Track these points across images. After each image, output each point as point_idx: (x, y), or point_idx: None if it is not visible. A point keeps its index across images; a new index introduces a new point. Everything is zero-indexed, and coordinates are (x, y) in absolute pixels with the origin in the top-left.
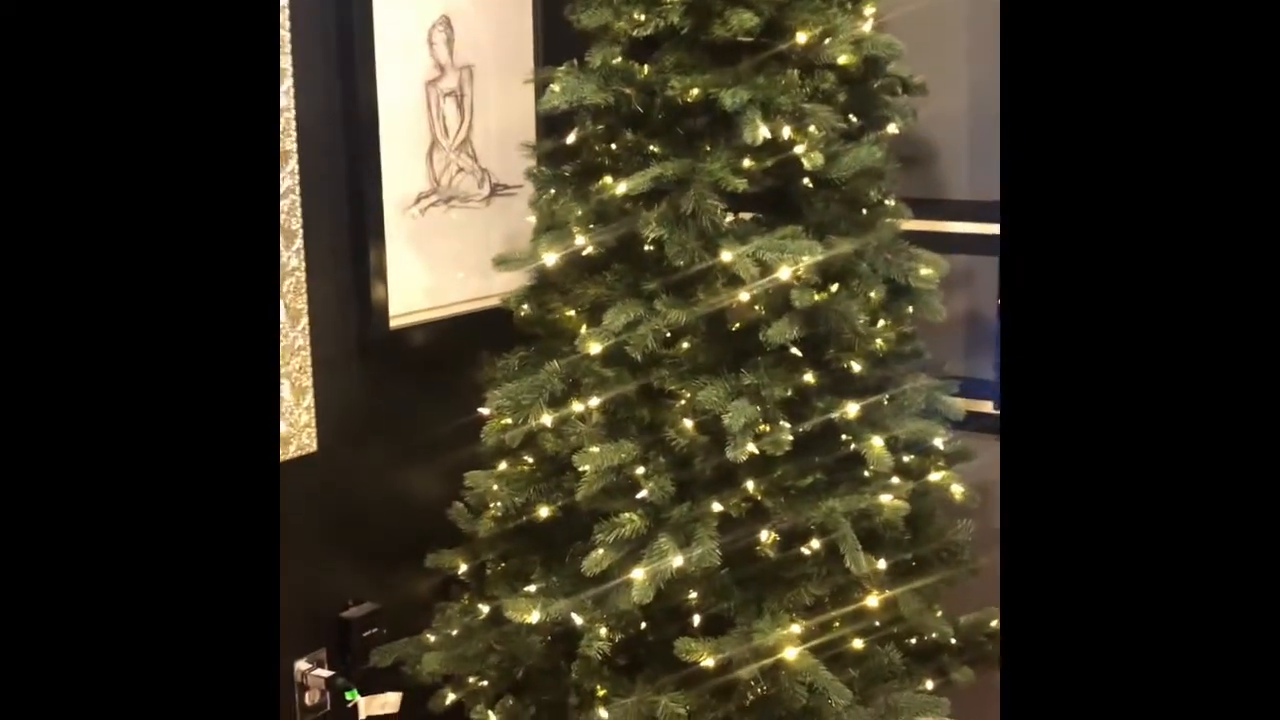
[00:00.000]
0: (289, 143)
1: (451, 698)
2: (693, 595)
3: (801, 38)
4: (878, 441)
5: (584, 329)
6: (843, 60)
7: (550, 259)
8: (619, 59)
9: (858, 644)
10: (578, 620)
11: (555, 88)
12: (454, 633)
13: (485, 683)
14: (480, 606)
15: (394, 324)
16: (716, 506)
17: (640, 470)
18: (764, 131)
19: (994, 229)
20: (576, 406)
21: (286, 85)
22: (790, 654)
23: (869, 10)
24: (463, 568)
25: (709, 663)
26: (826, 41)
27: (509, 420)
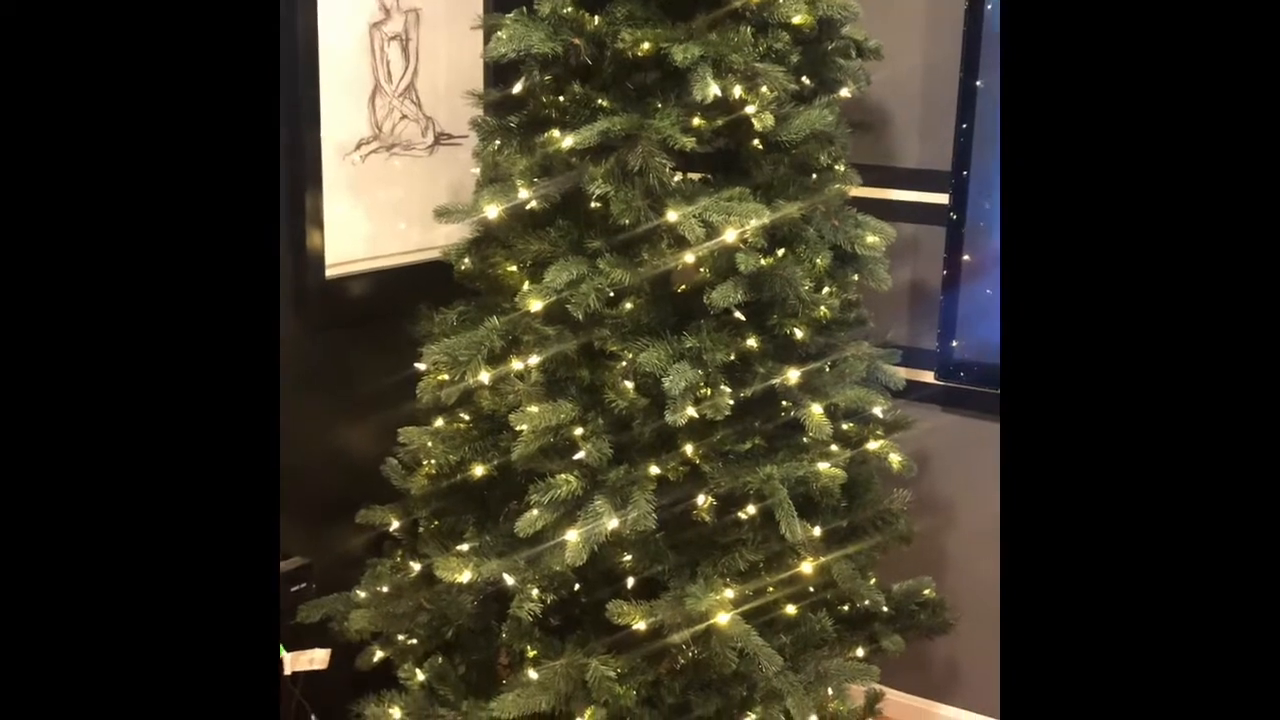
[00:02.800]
0: None
1: (380, 655)
2: (627, 558)
3: None
4: (817, 409)
5: (525, 285)
6: (797, 20)
7: (493, 212)
8: (569, 8)
9: (790, 610)
10: (510, 581)
11: (502, 35)
12: (384, 590)
13: (414, 641)
14: (412, 564)
15: (330, 273)
16: (654, 470)
17: (578, 431)
18: (715, 89)
19: (942, 198)
20: (515, 364)
21: None
22: (722, 619)
23: None
24: (395, 525)
25: (641, 626)
26: (781, 0)
27: (445, 376)
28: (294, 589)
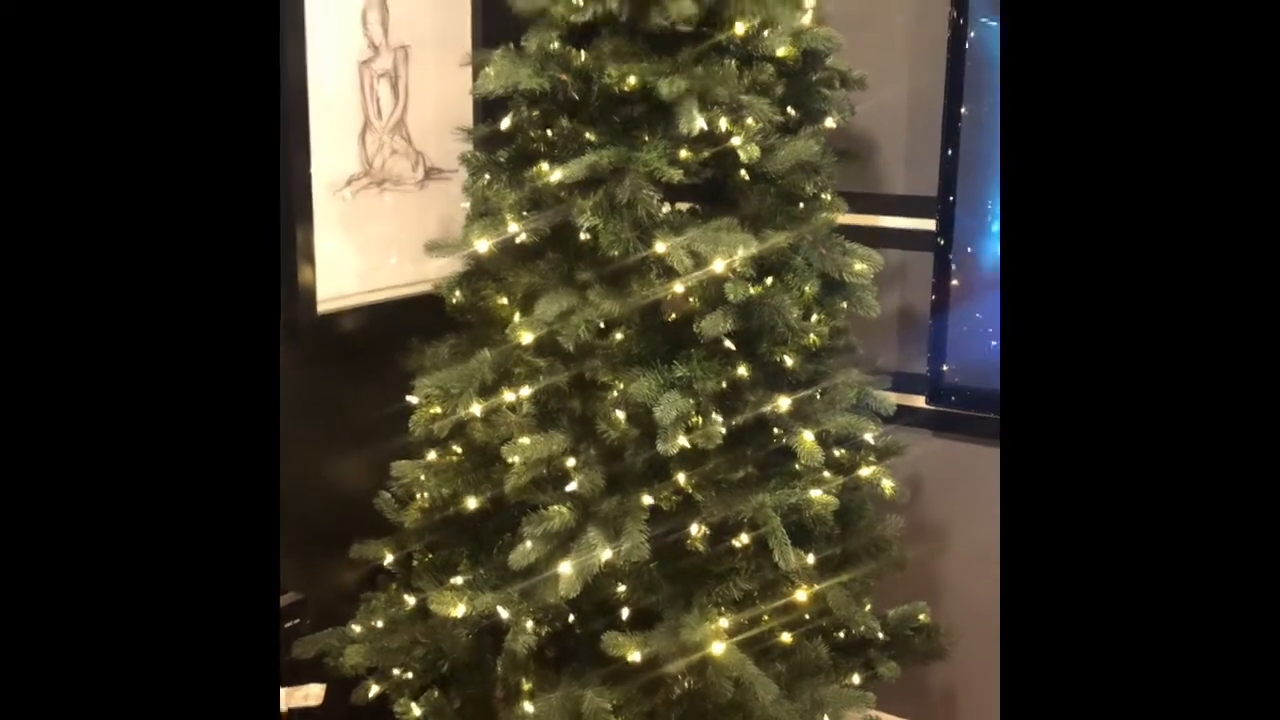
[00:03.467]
0: None
1: (375, 690)
2: (621, 589)
3: (740, 28)
4: (809, 436)
5: (516, 317)
6: (781, 52)
7: (483, 246)
8: (556, 44)
9: (785, 638)
10: (504, 614)
11: (490, 71)
12: (379, 624)
13: (410, 675)
14: (406, 598)
15: (322, 308)
16: (647, 499)
17: (570, 462)
18: (700, 122)
19: (929, 224)
20: (507, 396)
21: None
22: (718, 648)
23: (809, 3)
24: (389, 558)
25: (636, 657)
26: (765, 33)
27: (438, 409)
28: (288, 625)
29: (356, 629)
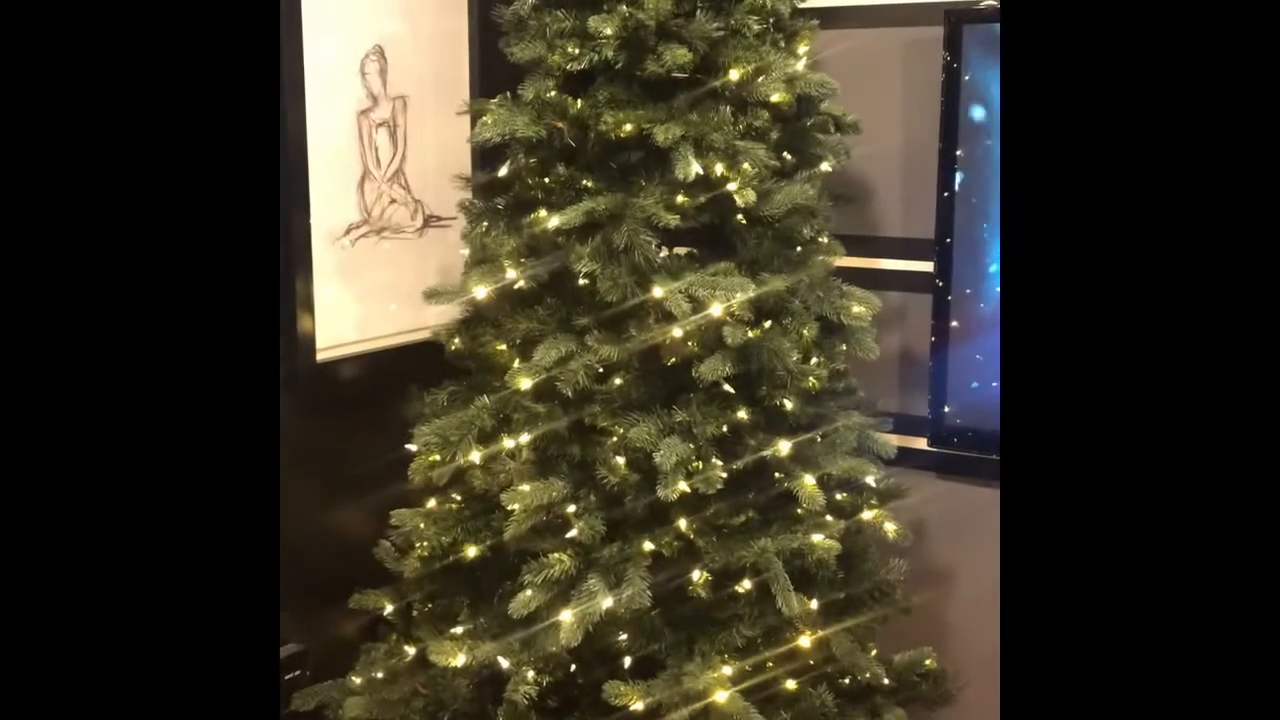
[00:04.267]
0: None
1: None
2: (623, 637)
3: (735, 75)
4: (810, 480)
5: (515, 363)
6: (776, 98)
7: (481, 292)
8: (553, 93)
9: (790, 685)
10: (504, 663)
11: (487, 120)
12: (379, 675)
13: None
14: (406, 648)
15: (321, 356)
16: (648, 546)
17: (570, 509)
18: (696, 168)
19: (926, 266)
20: (506, 443)
21: None
22: (721, 697)
23: (803, 49)
24: (389, 608)
25: (639, 706)
26: (760, 79)
27: (437, 457)
28: (288, 676)
29: (356, 680)
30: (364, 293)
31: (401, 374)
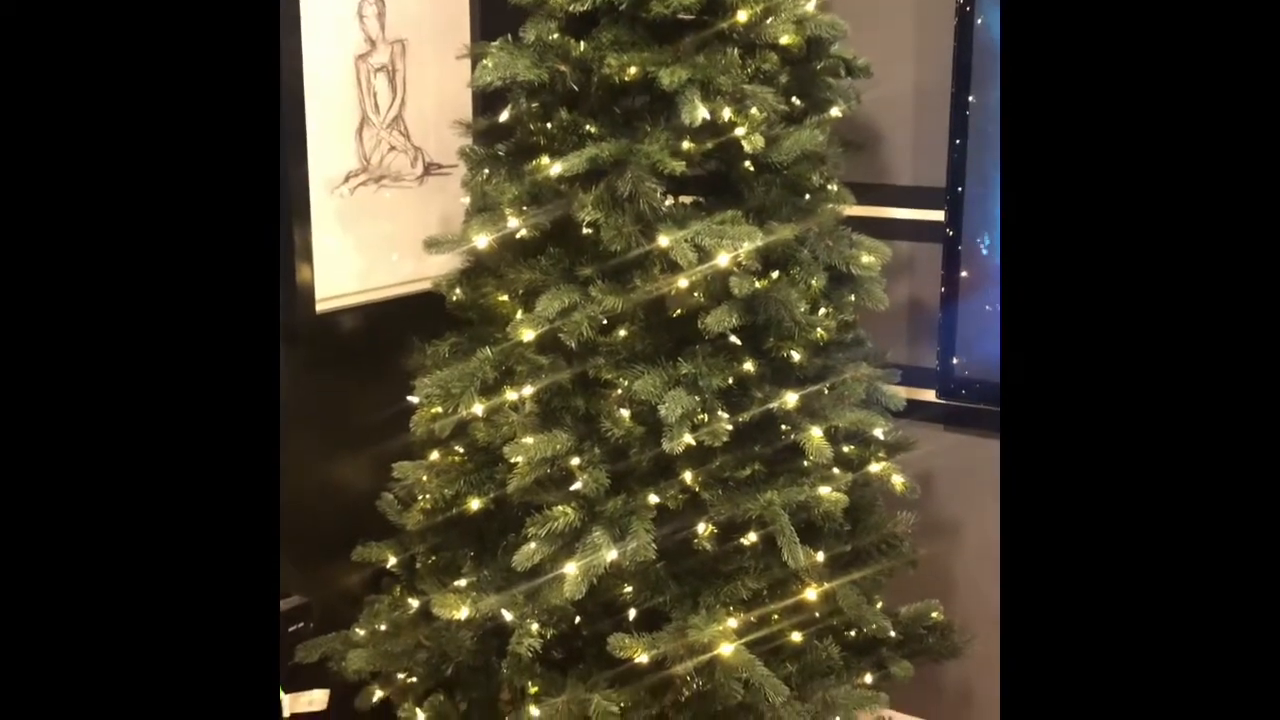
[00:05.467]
0: None
1: (379, 695)
2: (627, 590)
3: (742, 16)
4: (817, 432)
5: (518, 315)
6: (785, 40)
7: (482, 242)
8: (555, 35)
9: (795, 638)
10: (508, 616)
11: (487, 63)
12: (382, 628)
13: (414, 679)
14: (410, 601)
15: (320, 308)
16: (653, 498)
17: (575, 461)
18: (703, 112)
19: (937, 215)
20: (509, 395)
21: None
22: (726, 649)
23: None
24: (392, 561)
25: (644, 659)
26: (768, 20)
27: (439, 409)
28: (292, 629)
29: (360, 633)
30: (363, 242)
31: (402, 325)
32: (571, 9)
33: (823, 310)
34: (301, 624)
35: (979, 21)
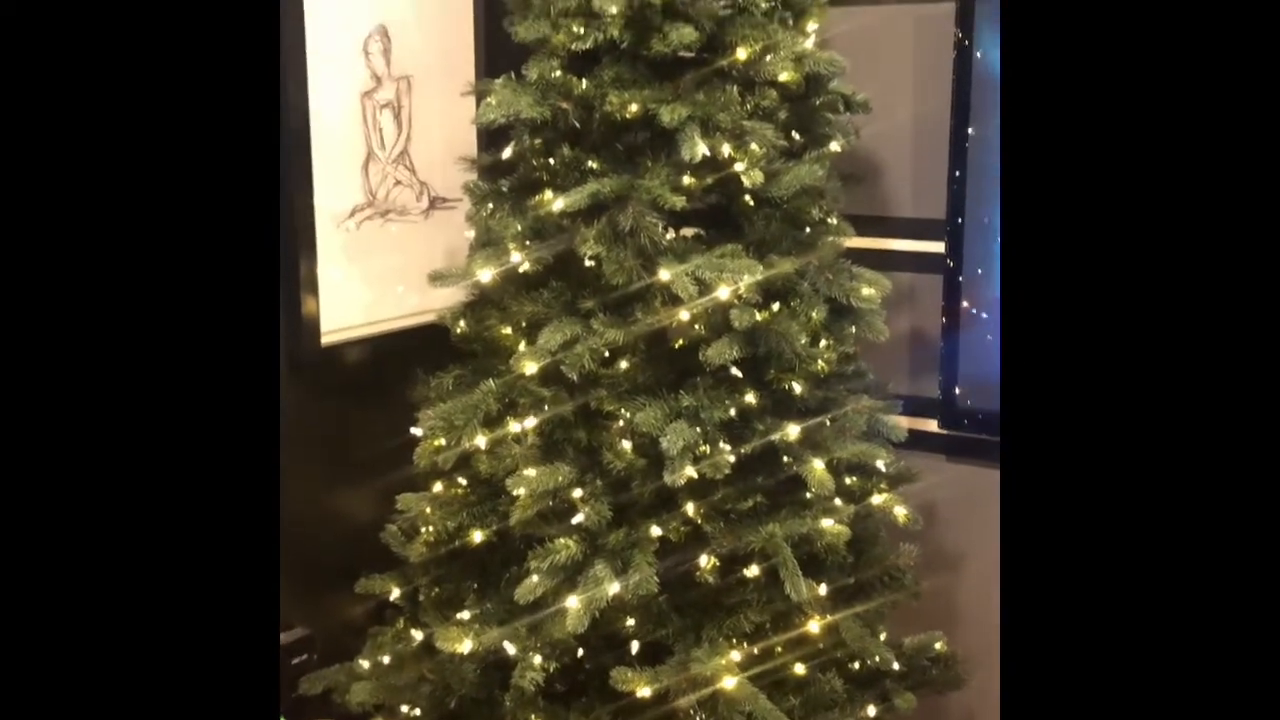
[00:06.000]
0: None
1: None
2: (630, 623)
3: (742, 54)
4: (819, 464)
5: (521, 347)
6: (784, 77)
7: (486, 275)
8: (557, 73)
9: (799, 671)
10: (511, 649)
11: (491, 100)
12: (385, 660)
13: (417, 712)
14: (413, 633)
15: (326, 340)
16: (655, 531)
17: (577, 493)
18: (703, 148)
19: (938, 247)
20: (512, 427)
21: None
22: (729, 683)
23: (811, 27)
24: (395, 593)
25: (646, 692)
26: (767, 58)
27: (442, 441)
28: (295, 661)
29: (363, 665)
30: (369, 276)
31: (407, 357)
32: (574, 47)
33: (823, 342)
34: (305, 656)
35: (978, 55)
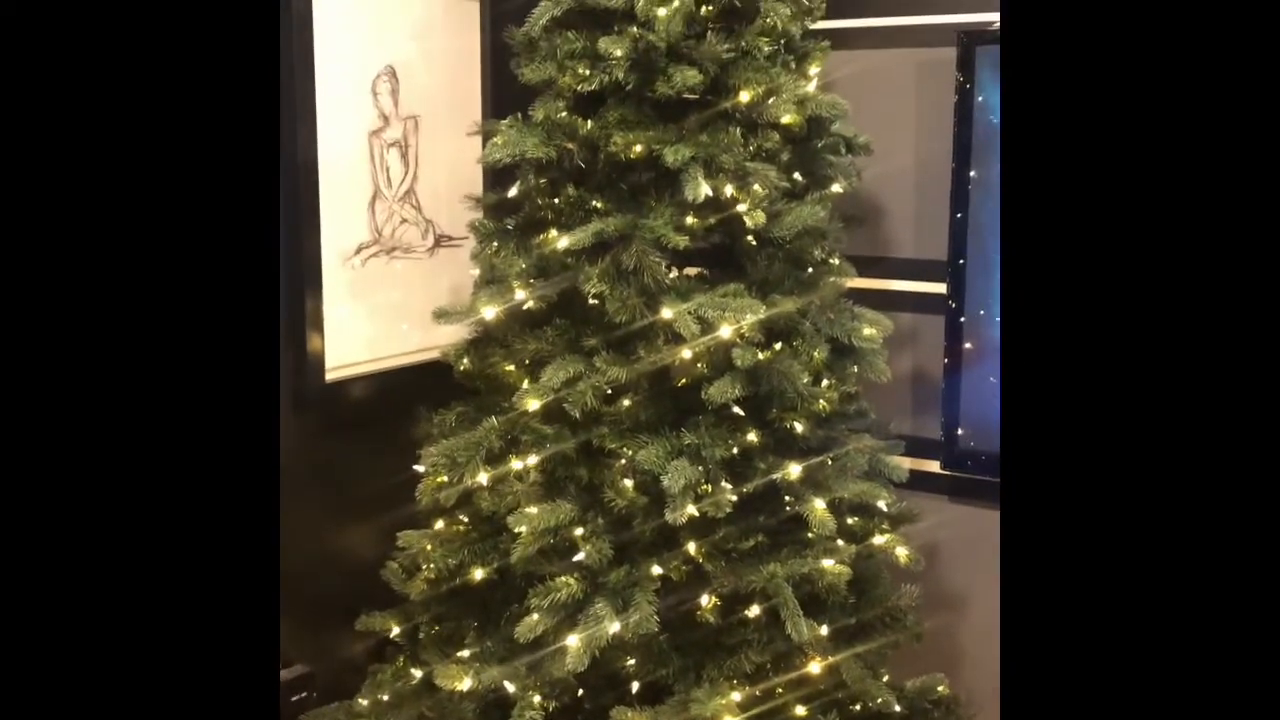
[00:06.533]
0: None
1: None
2: (630, 662)
3: (745, 96)
4: (820, 504)
5: (524, 384)
6: (786, 119)
7: (490, 313)
8: (563, 114)
9: (800, 712)
10: (511, 688)
11: (497, 140)
12: (385, 698)
13: None
14: (413, 671)
15: (330, 376)
16: (656, 570)
17: (578, 531)
18: (706, 189)
19: (939, 288)
20: (514, 464)
21: None
22: None
23: (814, 70)
24: (395, 630)
25: None
26: (770, 100)
27: (444, 478)
28: (295, 698)
29: (363, 703)
30: (374, 312)
31: (410, 394)
32: (579, 89)
33: (825, 382)
34: (305, 693)
35: (979, 99)
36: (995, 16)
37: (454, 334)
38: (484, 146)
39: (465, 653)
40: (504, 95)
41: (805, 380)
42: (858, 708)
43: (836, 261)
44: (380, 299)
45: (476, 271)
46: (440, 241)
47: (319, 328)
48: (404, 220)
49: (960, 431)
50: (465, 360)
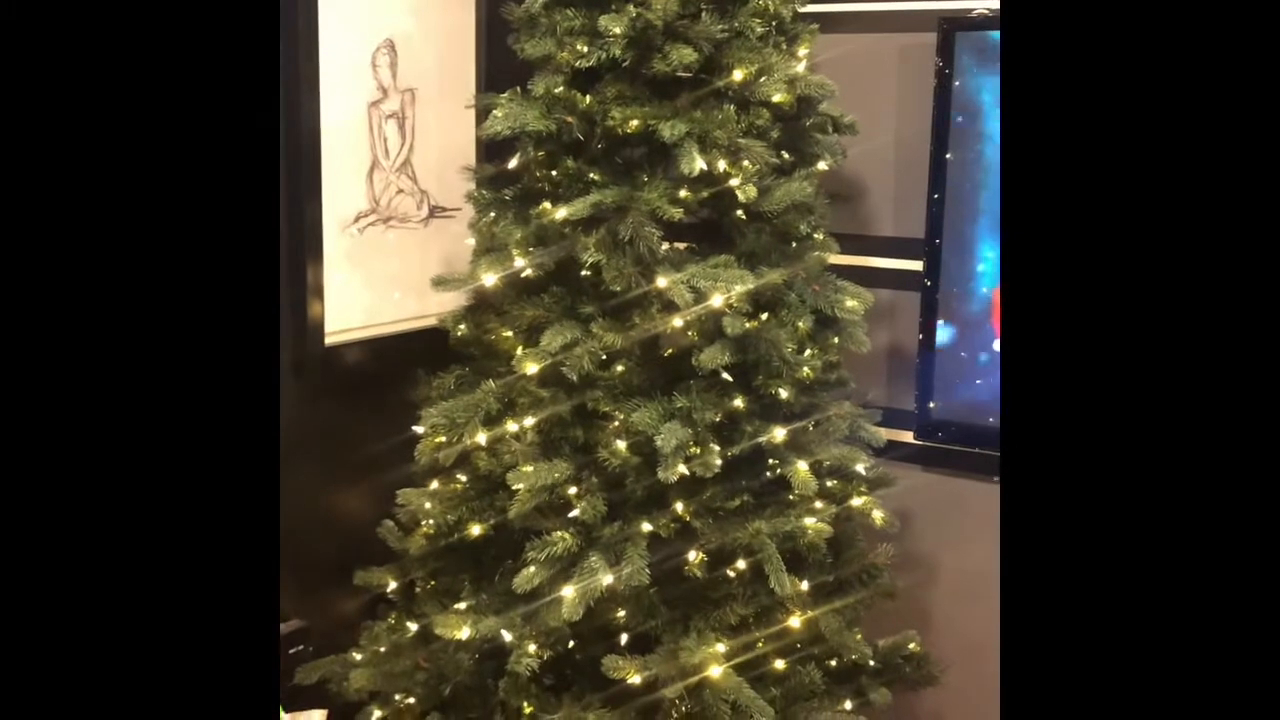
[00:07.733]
0: None
1: (377, 715)
2: (621, 614)
3: (738, 75)
4: (803, 466)
5: (521, 349)
6: (777, 98)
7: (489, 280)
8: (561, 89)
9: (780, 664)
10: (507, 637)
11: (498, 114)
12: (381, 649)
13: (412, 700)
14: (408, 624)
15: (329, 341)
16: (646, 526)
17: (573, 490)
18: (700, 163)
19: (916, 265)
20: (511, 426)
21: None
22: (715, 672)
23: (803, 51)
24: (392, 585)
25: (636, 680)
26: (762, 79)
27: (443, 438)
28: (291, 651)
29: (359, 655)
30: (371, 279)
31: (406, 360)
32: (578, 64)
33: (809, 351)
34: (301, 646)
35: (956, 84)
36: (975, 3)
37: (448, 302)
38: (479, 120)
39: (462, 605)
40: (497, 70)
41: (790, 349)
42: (834, 661)
43: (821, 236)
44: (377, 267)
45: (472, 241)
46: (434, 212)
47: (319, 294)
48: (400, 190)
49: (933, 404)
50: (462, 326)
